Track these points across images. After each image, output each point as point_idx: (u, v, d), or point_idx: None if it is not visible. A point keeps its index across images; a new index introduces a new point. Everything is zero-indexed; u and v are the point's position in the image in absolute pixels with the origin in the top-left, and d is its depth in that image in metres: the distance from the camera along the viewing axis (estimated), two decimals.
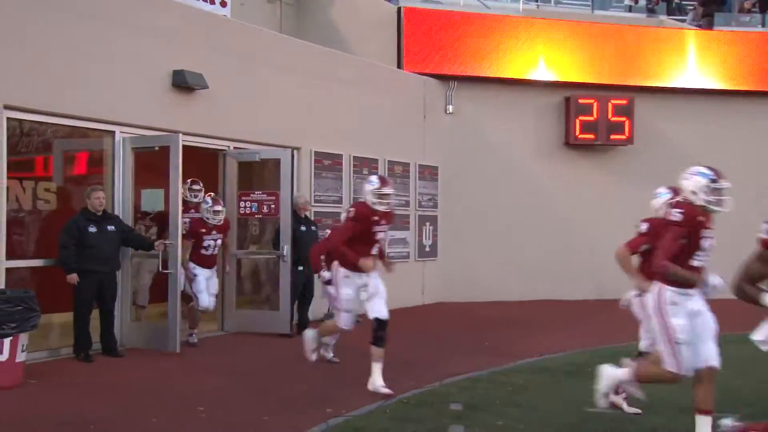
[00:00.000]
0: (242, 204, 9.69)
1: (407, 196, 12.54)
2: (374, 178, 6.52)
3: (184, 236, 8.34)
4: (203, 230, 8.53)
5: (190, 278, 8.53)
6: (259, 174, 10.08)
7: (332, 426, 5.38)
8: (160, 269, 8.04)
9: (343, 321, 6.60)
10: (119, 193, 8.21)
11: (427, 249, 12.94)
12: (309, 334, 7.01)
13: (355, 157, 11.56)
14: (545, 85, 13.62)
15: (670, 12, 14.96)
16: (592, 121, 13.65)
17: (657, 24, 14.47)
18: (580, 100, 13.62)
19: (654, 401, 5.92)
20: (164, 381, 6.84)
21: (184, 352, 8.01)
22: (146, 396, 6.25)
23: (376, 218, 6.41)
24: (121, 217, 8.03)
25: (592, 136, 13.72)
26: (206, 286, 8.56)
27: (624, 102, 13.64)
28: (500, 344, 9.11)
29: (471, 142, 13.46)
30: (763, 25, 14.83)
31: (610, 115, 13.62)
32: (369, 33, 13.16)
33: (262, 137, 10.00)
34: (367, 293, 6.44)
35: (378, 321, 6.36)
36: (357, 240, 6.37)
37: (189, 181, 9.12)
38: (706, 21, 14.71)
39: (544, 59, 13.58)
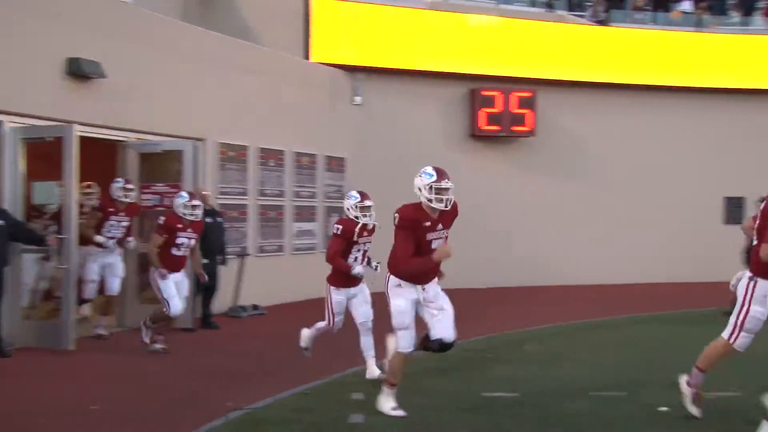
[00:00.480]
0: (143, 196, 9.45)
1: (314, 187, 12.50)
2: (430, 170, 5.38)
3: (156, 230, 7.65)
4: (180, 226, 7.60)
5: (157, 283, 7.58)
6: (161, 166, 9.83)
7: (232, 419, 5.33)
8: (55, 265, 7.75)
9: (403, 342, 5.44)
10: (8, 187, 7.85)
11: None
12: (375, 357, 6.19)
13: (261, 149, 11.44)
14: (451, 77, 13.81)
15: (571, 8, 15.39)
16: (497, 113, 13.93)
17: (557, 19, 14.87)
18: (485, 92, 13.88)
19: (568, 386, 6.11)
20: (55, 380, 6.60)
21: (80, 348, 7.75)
22: (34, 396, 6.02)
23: (428, 224, 5.31)
24: (11, 211, 7.69)
25: (496, 128, 14.01)
26: (177, 289, 7.66)
27: (527, 94, 13.98)
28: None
29: (379, 134, 13.52)
30: (655, 23, 15.45)
31: (513, 108, 13.93)
32: (276, 23, 13.01)
33: (164, 128, 9.76)
34: (430, 308, 5.42)
35: (442, 345, 5.39)
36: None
37: (122, 179, 8.71)
38: (604, 17, 15.21)
39: (451, 51, 13.76)
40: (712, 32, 15.33)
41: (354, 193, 6.72)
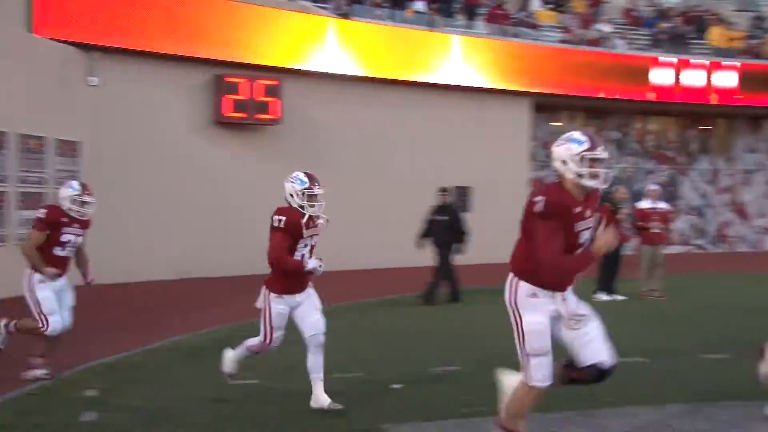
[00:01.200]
0: None
1: (43, 172, 11.54)
2: (578, 135, 4.01)
3: (36, 225, 6.20)
4: (64, 220, 6.17)
5: (35, 295, 6.13)
6: None
7: None
8: None
9: (540, 372, 4.00)
10: None
11: None
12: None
13: None
14: (195, 62, 13.44)
15: None
16: (242, 100, 13.81)
17: (300, 9, 15.04)
18: (229, 79, 13.70)
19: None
20: None
21: None
22: None
23: (578, 209, 3.96)
24: None
25: (242, 115, 13.89)
26: (59, 302, 6.22)
27: (273, 83, 14.00)
28: (147, 325, 8.87)
29: (119, 117, 12.80)
30: (393, 20, 16.26)
31: (259, 95, 13.90)
32: None
33: None
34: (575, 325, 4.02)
35: (600, 372, 4.03)
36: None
37: None
38: (347, 10, 15.67)
39: (195, 36, 13.37)
40: (441, 32, 16.47)
41: (300, 175, 5.34)
